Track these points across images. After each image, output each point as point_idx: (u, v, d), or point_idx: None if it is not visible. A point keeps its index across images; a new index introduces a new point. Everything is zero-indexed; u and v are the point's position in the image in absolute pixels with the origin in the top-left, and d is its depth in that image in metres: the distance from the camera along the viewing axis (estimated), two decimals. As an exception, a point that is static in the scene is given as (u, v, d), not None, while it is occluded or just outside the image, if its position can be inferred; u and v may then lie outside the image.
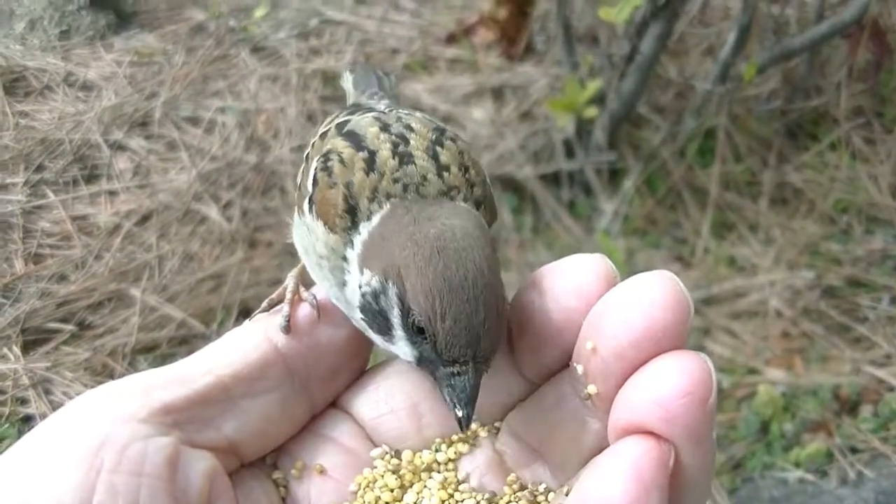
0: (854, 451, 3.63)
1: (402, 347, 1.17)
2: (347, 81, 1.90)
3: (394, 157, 1.28)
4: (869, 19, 4.48)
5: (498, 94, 5.28)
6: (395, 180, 1.25)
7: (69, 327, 3.87)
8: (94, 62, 5.18)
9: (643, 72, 4.51)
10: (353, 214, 1.24)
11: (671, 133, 4.81)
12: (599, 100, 4.58)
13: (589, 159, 4.71)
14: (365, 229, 1.22)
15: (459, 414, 1.13)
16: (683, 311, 1.04)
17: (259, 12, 5.77)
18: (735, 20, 4.52)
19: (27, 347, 3.78)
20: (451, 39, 5.64)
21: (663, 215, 4.71)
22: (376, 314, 1.17)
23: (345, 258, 1.24)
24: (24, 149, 4.51)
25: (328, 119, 1.56)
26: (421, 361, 1.17)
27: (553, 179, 4.84)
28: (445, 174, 1.27)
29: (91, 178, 4.54)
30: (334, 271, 1.26)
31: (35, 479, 1.01)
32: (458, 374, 1.12)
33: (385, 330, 1.18)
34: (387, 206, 1.22)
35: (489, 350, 1.13)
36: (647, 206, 4.71)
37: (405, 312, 1.13)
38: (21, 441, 1.06)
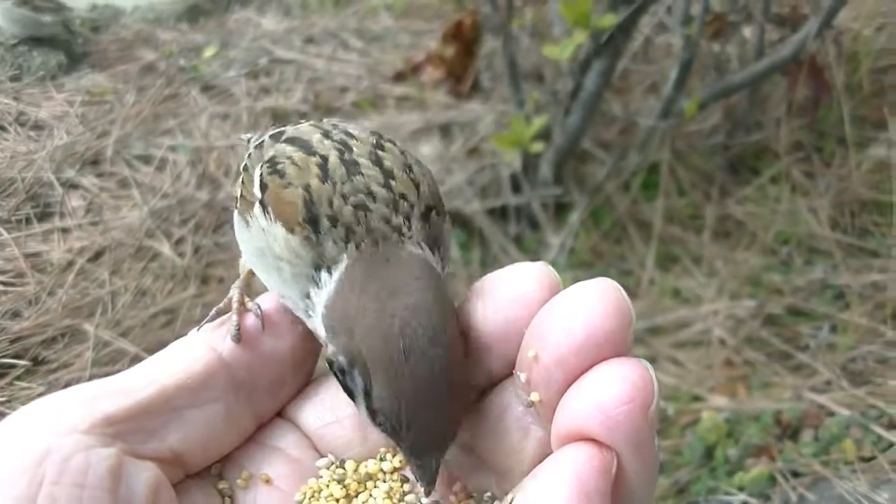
0: (796, 474, 3.66)
1: (364, 415, 1.16)
2: (245, 140, 1.73)
3: (342, 165, 1.25)
4: (807, 57, 4.59)
5: (445, 130, 5.32)
6: (345, 197, 1.21)
7: (23, 362, 3.86)
8: (46, 102, 5.20)
9: (587, 108, 4.57)
10: (314, 225, 1.20)
11: (616, 168, 4.86)
12: (545, 135, 4.60)
13: (535, 194, 4.76)
14: (327, 284, 1.20)
15: (424, 502, 1.17)
16: (625, 318, 1.03)
17: (209, 52, 5.81)
18: (677, 57, 4.61)
19: (-19, 383, 3.78)
20: (399, 77, 5.69)
21: (609, 248, 4.75)
22: (343, 384, 1.17)
23: (313, 279, 1.21)
24: (-24, 188, 4.54)
25: (255, 136, 1.54)
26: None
27: (500, 214, 4.89)
28: (392, 182, 1.24)
29: (44, 216, 4.54)
30: (297, 279, 1.23)
31: None
32: (422, 466, 1.13)
33: (351, 397, 1.17)
34: (345, 262, 1.19)
35: (451, 442, 1.14)
36: (592, 240, 4.75)
37: (370, 409, 1.13)
38: None
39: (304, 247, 1.21)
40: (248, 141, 1.72)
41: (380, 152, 1.29)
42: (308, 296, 1.22)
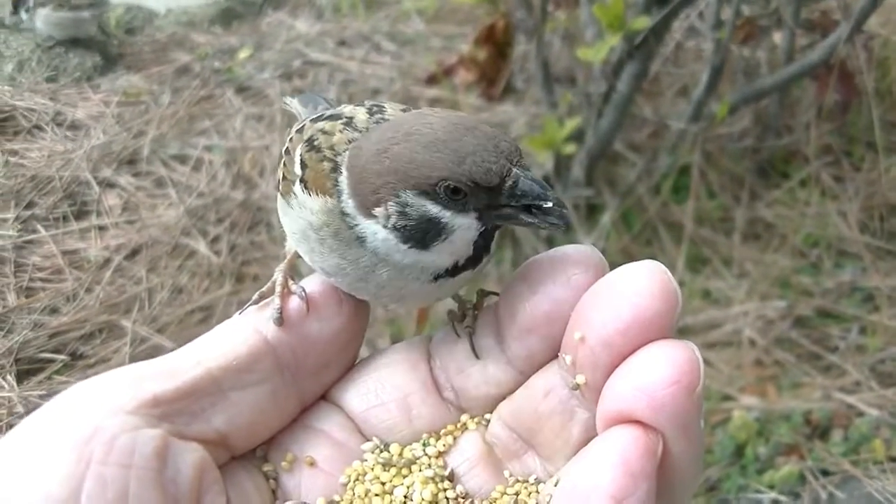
0: (825, 473, 3.67)
1: (461, 230, 1.17)
2: (293, 105, 1.84)
3: (369, 120, 1.28)
4: (837, 61, 4.58)
5: (478, 132, 5.30)
6: (367, 128, 1.25)
7: (62, 357, 3.91)
8: (82, 102, 5.24)
9: (619, 110, 4.58)
10: (335, 171, 1.23)
11: (647, 170, 4.86)
12: (577, 137, 4.62)
13: (567, 195, 4.75)
14: (342, 173, 1.22)
15: (550, 203, 1.12)
16: (671, 300, 1.04)
17: (243, 54, 5.86)
18: (707, 61, 4.60)
19: (21, 377, 3.81)
20: (432, 80, 5.71)
21: (639, 250, 4.76)
22: (417, 226, 1.16)
23: (343, 212, 1.22)
24: (14, 186, 4.57)
25: (298, 123, 1.51)
26: (485, 221, 1.17)
27: (532, 215, 4.87)
28: None
29: (81, 214, 4.60)
30: (338, 234, 1.23)
31: (24, 470, 1.01)
32: (515, 181, 1.12)
33: (436, 231, 1.16)
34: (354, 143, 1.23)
35: (516, 151, 1.13)
36: (623, 241, 4.76)
37: (434, 194, 1.13)
38: (10, 433, 1.06)
39: (336, 200, 1.23)
40: (289, 103, 1.83)
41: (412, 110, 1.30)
42: (344, 213, 1.22)
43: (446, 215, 1.15)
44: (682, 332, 4.26)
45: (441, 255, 1.20)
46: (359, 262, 1.23)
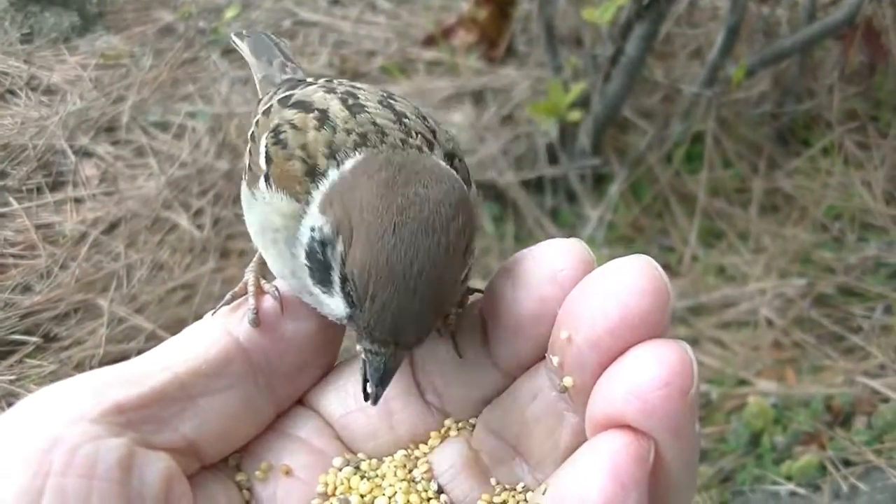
0: (847, 463, 3.64)
1: (337, 303, 1.15)
2: (244, 50, 1.82)
3: (344, 109, 1.26)
4: (862, 20, 4.52)
5: (478, 97, 5.30)
6: (348, 131, 1.22)
7: (34, 339, 3.89)
8: (58, 65, 5.22)
9: (628, 74, 4.53)
10: (311, 175, 1.20)
11: (658, 138, 4.83)
12: (583, 103, 4.59)
13: (573, 165, 4.73)
14: (333, 174, 1.19)
15: (369, 390, 1.14)
16: (662, 297, 1.02)
17: (230, 13, 5.81)
18: (723, 21, 4.57)
19: (-10, 360, 3.80)
20: (430, 41, 5.67)
21: (650, 223, 4.73)
22: (320, 263, 1.16)
23: (304, 214, 1.20)
24: (-15, 155, 4.55)
25: (267, 96, 1.53)
26: (350, 323, 1.15)
27: (536, 186, 4.86)
28: (405, 120, 1.25)
29: (56, 186, 4.57)
30: (288, 241, 1.23)
31: None
32: (376, 353, 1.11)
33: (325, 281, 1.16)
34: (360, 154, 1.20)
35: (413, 340, 1.13)
36: (632, 214, 4.72)
37: (342, 277, 1.12)
38: None
39: (300, 206, 1.21)
40: (239, 45, 1.84)
41: (391, 100, 1.30)
42: (304, 214, 1.20)
43: (337, 289, 1.15)
44: (695, 312, 4.25)
45: (321, 294, 1.20)
46: (295, 274, 1.24)
